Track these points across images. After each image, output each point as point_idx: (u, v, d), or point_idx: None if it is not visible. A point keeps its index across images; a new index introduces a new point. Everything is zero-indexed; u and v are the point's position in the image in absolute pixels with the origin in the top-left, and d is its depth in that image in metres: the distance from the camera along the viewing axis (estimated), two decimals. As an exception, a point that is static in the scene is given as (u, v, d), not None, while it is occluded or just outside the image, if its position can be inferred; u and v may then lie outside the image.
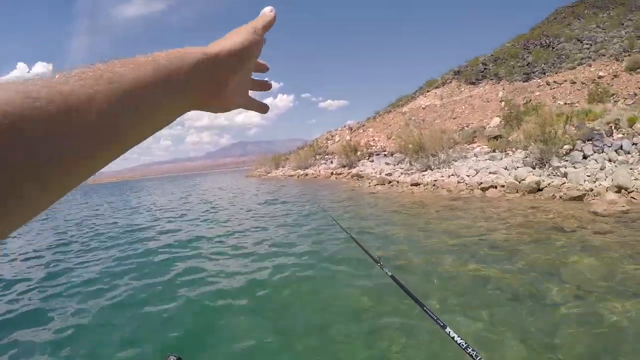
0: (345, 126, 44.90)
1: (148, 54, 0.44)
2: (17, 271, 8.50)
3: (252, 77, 0.64)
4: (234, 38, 0.55)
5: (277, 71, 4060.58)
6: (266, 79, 0.70)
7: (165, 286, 6.25)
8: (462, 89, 35.48)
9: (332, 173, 29.61)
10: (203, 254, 8.29)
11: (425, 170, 17.81)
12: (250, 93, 0.67)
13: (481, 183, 12.99)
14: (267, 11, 0.60)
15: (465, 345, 1.29)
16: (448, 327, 1.40)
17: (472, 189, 13.07)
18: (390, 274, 2.08)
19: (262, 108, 0.70)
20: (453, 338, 1.35)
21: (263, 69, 0.68)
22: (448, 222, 8.89)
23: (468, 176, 14.21)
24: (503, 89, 28.38)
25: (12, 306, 6.03)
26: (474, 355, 1.23)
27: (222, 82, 0.54)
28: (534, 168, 12.83)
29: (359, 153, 29.86)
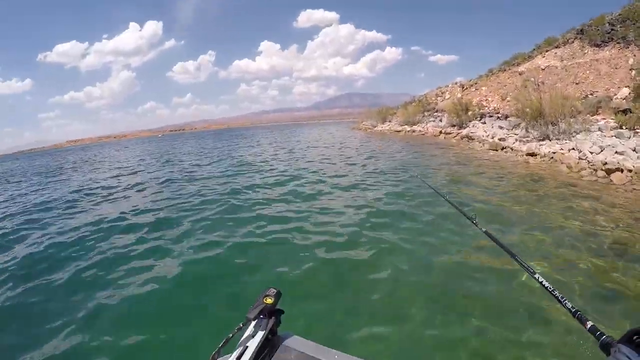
0: (456, 83, 43.51)
1: None
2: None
3: None
4: None
5: (386, 23, 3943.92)
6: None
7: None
8: (586, 51, 33.18)
9: (440, 132, 29.59)
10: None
11: (543, 140, 17.42)
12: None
13: (606, 163, 12.28)
14: None
15: (552, 289, 1.48)
16: (537, 274, 1.61)
17: (595, 169, 12.49)
18: (484, 229, 2.31)
19: None
20: (541, 283, 1.55)
21: None
22: (567, 206, 8.72)
23: (591, 153, 13.64)
24: (634, 55, 26.38)
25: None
26: (559, 297, 1.43)
27: None
28: (665, 153, 12.22)
29: (470, 113, 29.42)
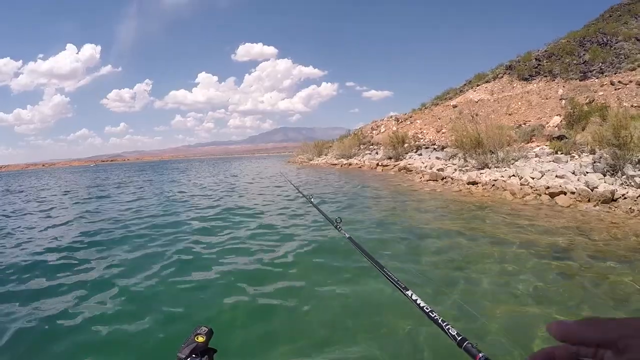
0: (391, 116, 43.90)
1: None
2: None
3: None
4: None
5: (323, 59, 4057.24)
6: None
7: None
8: (515, 85, 34.57)
9: (377, 164, 29.20)
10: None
11: (483, 169, 17.15)
12: None
13: (548, 187, 12.10)
14: None
15: (429, 309, 1.29)
16: (410, 290, 1.41)
17: (538, 194, 12.26)
18: (347, 235, 2.15)
19: None
20: (416, 301, 1.35)
21: None
22: (518, 230, 8.33)
23: (532, 178, 13.38)
24: (563, 87, 27.39)
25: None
26: (439, 320, 1.21)
27: None
28: (604, 175, 12.06)
29: (406, 145, 29.35)
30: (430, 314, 1.22)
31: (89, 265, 7.24)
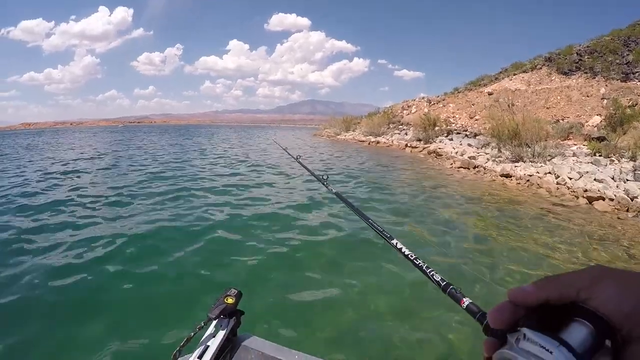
0: (423, 97, 43.45)
1: None
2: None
3: None
4: None
5: (357, 34, 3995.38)
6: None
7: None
8: (553, 78, 33.86)
9: (406, 145, 28.90)
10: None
11: (517, 161, 16.93)
12: None
13: (587, 190, 11.76)
14: None
15: (413, 257, 1.22)
16: (395, 239, 1.36)
17: (576, 196, 11.89)
18: (334, 190, 2.20)
19: None
20: (400, 249, 1.30)
21: None
22: (557, 234, 8.17)
23: (570, 178, 13.12)
24: (605, 86, 26.78)
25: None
26: (424, 267, 1.15)
27: None
28: (644, 185, 11.73)
29: (437, 128, 29.05)
30: (415, 261, 1.20)
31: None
